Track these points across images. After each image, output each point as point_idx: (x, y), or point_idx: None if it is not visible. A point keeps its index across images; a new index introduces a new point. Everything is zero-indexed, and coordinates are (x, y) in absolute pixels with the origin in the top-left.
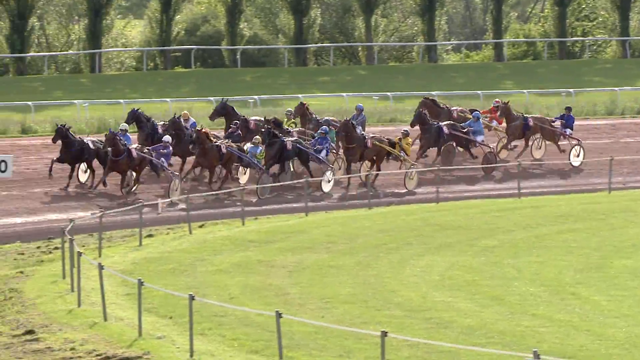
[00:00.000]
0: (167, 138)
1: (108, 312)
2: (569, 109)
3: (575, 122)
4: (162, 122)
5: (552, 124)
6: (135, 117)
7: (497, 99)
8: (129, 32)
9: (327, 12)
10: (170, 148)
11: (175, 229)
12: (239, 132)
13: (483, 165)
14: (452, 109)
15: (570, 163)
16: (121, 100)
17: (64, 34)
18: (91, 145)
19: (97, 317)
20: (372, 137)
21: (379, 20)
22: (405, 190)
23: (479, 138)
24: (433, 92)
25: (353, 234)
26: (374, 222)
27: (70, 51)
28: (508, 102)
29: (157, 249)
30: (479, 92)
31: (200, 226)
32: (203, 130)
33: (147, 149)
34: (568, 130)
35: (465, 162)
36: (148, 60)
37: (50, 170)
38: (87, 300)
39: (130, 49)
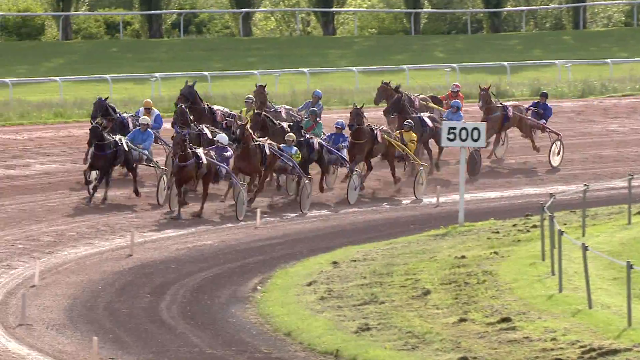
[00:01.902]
0: (224, 137)
1: (593, 298)
2: (544, 95)
3: None
4: (130, 115)
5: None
6: (103, 108)
7: (455, 83)
8: None
9: None
10: (231, 150)
11: None
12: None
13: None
14: (413, 96)
15: (550, 163)
16: (608, 60)
17: None
18: (125, 147)
19: (581, 304)
20: (381, 129)
21: None
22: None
23: None
24: None
25: None
26: None
27: (551, 5)
28: (489, 87)
29: None
30: None
31: None
32: (246, 124)
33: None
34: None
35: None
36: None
37: (86, 180)
38: (569, 284)
39: (619, 2)
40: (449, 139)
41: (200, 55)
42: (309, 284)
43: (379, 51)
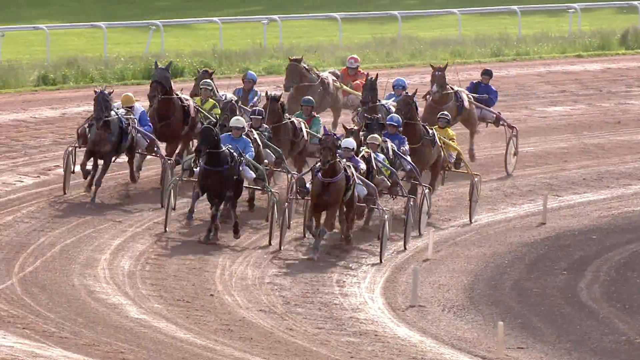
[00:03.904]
0: (351, 142)
1: None
2: (488, 73)
3: None
4: (121, 108)
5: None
6: (106, 104)
7: (353, 56)
8: None
9: None
10: (362, 162)
11: None
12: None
13: None
14: (324, 75)
15: (505, 169)
16: None
17: None
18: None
19: None
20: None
21: None
22: None
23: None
24: None
25: None
26: None
27: None
28: (446, 65)
29: None
30: None
31: None
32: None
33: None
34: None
35: None
36: None
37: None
38: None
39: None
40: None
41: None
42: None
43: None
